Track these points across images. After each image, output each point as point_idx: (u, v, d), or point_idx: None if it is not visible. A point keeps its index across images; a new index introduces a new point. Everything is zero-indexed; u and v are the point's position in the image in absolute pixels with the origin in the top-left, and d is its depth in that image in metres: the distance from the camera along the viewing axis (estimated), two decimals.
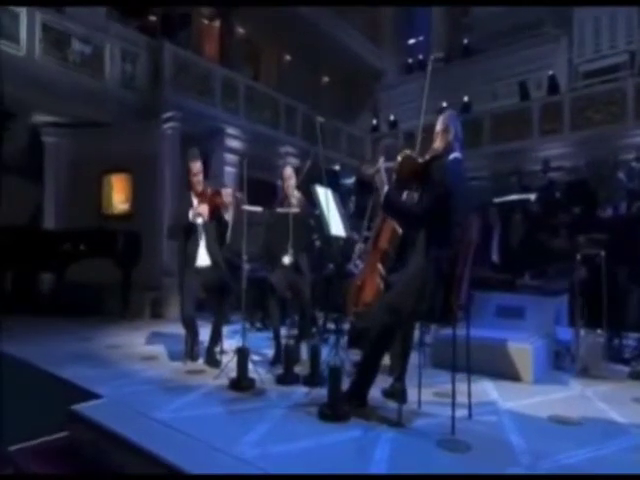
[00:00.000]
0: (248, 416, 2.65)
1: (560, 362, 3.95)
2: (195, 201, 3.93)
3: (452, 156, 2.63)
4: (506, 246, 5.75)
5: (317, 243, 3.71)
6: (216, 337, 3.74)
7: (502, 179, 8.48)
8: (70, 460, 2.65)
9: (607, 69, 9.73)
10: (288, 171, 4.16)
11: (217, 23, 11.34)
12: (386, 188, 2.64)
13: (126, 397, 2.97)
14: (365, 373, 2.68)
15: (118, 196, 7.56)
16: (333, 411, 2.57)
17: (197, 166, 3.99)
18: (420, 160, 2.63)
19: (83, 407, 2.73)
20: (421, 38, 13.35)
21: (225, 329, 4.67)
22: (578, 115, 9.10)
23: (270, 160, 9.58)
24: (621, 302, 4.44)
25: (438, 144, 2.70)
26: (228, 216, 4.14)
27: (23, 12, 6.78)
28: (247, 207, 3.37)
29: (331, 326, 5.17)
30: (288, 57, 12.51)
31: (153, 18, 10.11)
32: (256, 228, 3.52)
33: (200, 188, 3.96)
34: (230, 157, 8.60)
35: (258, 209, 3.52)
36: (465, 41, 12.33)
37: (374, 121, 12.62)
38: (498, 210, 5.81)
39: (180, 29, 9.18)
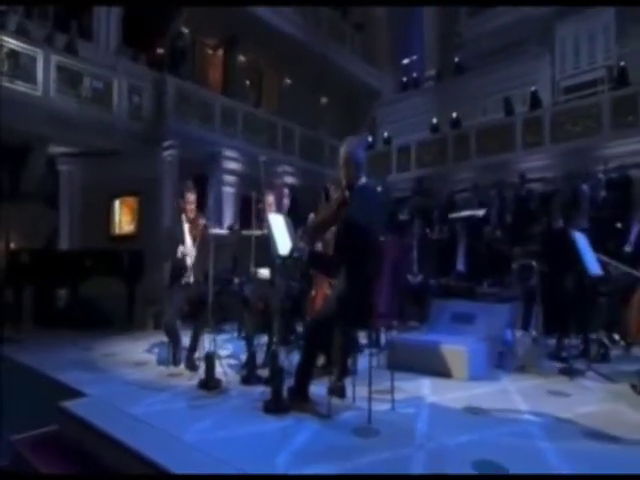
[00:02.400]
0: (204, 409, 3.10)
1: (502, 361, 4.29)
2: (186, 225, 4.43)
3: (359, 184, 3.04)
4: (472, 256, 6.10)
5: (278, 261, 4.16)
6: (195, 344, 4.18)
7: (483, 191, 8.79)
8: (59, 448, 3.13)
9: (586, 84, 9.97)
10: (270, 199, 4.63)
11: (220, 52, 12.00)
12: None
13: (108, 395, 3.45)
14: (302, 373, 3.10)
15: (125, 218, 8.17)
16: (275, 405, 3.00)
17: (192, 198, 4.47)
18: (330, 211, 3.05)
19: (69, 404, 3.20)
20: (415, 57, 13.79)
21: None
22: (558, 128, 9.37)
23: (268, 180, 10.11)
24: (570, 307, 4.74)
25: (343, 178, 3.10)
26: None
27: (40, 56, 7.46)
28: (214, 231, 3.85)
29: None
30: (288, 81, 13.08)
31: (161, 51, 10.81)
32: (224, 248, 3.99)
33: (192, 216, 4.44)
34: (229, 178, 9.15)
35: (224, 232, 3.99)
36: (456, 59, 12.68)
37: (369, 138, 13.05)
38: (465, 223, 6.17)
39: (183, 61, 9.77)
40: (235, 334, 6.32)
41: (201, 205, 4.60)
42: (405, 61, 14.06)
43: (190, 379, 3.84)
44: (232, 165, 9.32)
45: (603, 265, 4.02)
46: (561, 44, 10.42)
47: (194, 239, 4.35)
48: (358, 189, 3.02)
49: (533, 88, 10.10)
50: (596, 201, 6.33)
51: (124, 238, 8.09)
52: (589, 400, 3.26)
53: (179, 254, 4.26)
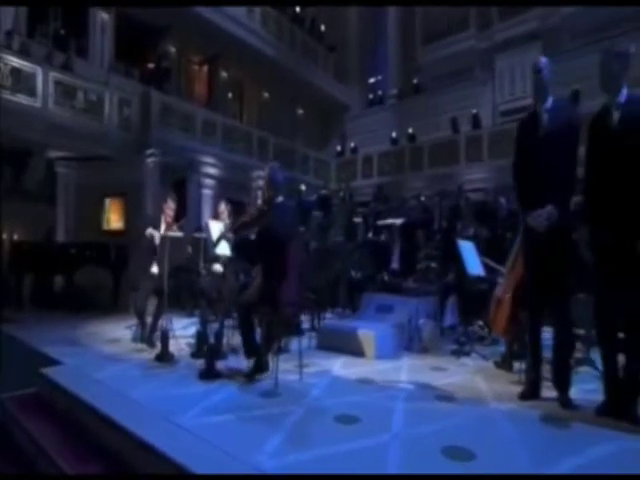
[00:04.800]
0: (153, 376, 3.60)
1: (410, 344, 4.82)
2: (163, 225, 4.93)
3: (277, 201, 3.56)
4: (405, 256, 6.62)
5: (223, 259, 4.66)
6: (155, 326, 4.67)
7: (428, 199, 9.33)
8: (38, 405, 3.60)
9: (519, 109, 10.50)
10: (222, 206, 5.12)
11: (205, 68, 12.36)
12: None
13: (81, 364, 3.94)
14: (248, 349, 3.57)
15: (114, 215, 8.58)
16: (207, 373, 3.52)
17: (172, 205, 4.98)
18: (250, 217, 3.57)
19: (47, 370, 3.69)
20: (380, 77, 14.30)
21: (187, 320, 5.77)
22: (495, 147, 9.98)
23: (244, 183, 10.56)
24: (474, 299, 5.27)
25: (265, 195, 3.61)
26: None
27: (39, 72, 7.80)
28: (170, 233, 4.34)
29: None
30: (267, 95, 13.50)
31: (151, 66, 11.16)
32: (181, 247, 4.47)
33: (169, 220, 4.96)
34: (207, 181, 9.59)
35: (180, 234, 4.46)
36: (415, 81, 13.22)
37: (338, 147, 13.57)
38: (399, 227, 6.68)
39: (167, 78, 10.14)
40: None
41: (179, 212, 5.07)
42: (371, 80, 14.54)
43: (151, 353, 4.33)
44: (211, 170, 9.75)
45: (487, 267, 4.57)
46: (500, 73, 11.01)
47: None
48: (275, 206, 3.55)
49: (474, 110, 10.67)
50: (513, 212, 6.85)
51: (113, 233, 8.51)
52: (458, 373, 3.81)
53: (147, 234, 4.76)
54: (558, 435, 2.51)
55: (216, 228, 3.80)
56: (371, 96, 14.33)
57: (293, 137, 13.50)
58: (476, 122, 10.64)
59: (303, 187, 11.54)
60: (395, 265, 6.76)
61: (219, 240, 3.84)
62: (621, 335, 2.75)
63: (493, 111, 11.27)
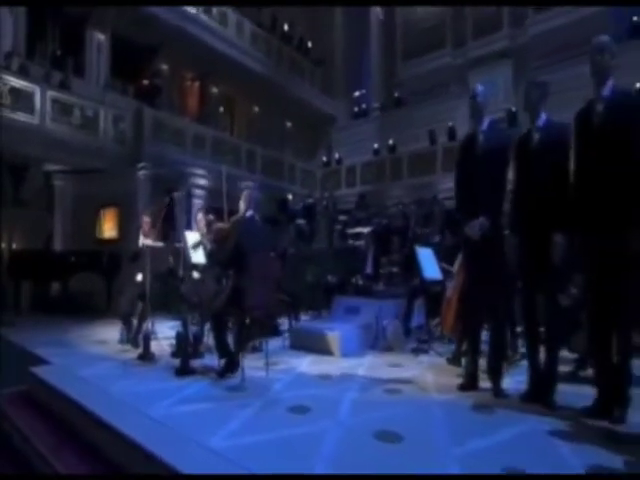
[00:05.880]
0: (134, 373, 3.83)
1: (375, 343, 5.05)
2: (142, 237, 5.19)
3: (248, 214, 3.83)
4: (378, 261, 6.88)
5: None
6: (139, 329, 4.89)
7: (407, 207, 9.61)
8: (29, 402, 3.81)
9: (491, 122, 10.85)
10: (199, 216, 5.38)
11: (197, 84, 12.65)
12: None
13: (69, 364, 4.15)
14: (222, 351, 3.80)
15: (108, 225, 8.82)
16: (181, 370, 3.75)
17: (147, 220, 5.33)
18: (227, 226, 3.83)
19: (37, 369, 3.90)
20: (364, 91, 14.64)
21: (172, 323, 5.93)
22: None
23: (232, 193, 10.78)
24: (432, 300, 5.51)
25: (241, 207, 3.88)
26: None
27: (37, 91, 8.05)
28: (151, 243, 4.58)
29: None
30: (257, 108, 13.79)
31: (146, 82, 11.43)
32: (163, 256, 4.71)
33: (147, 229, 5.23)
34: (197, 191, 9.85)
35: (160, 244, 4.71)
36: (396, 94, 13.55)
37: (324, 158, 13.86)
38: (372, 234, 6.95)
39: (159, 94, 10.40)
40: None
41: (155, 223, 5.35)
42: (356, 94, 14.88)
43: (135, 353, 4.54)
44: (200, 181, 10.00)
45: (445, 271, 4.82)
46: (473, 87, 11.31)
47: None
48: (248, 217, 3.82)
49: (450, 123, 10.99)
50: None
51: (107, 241, 8.74)
52: (413, 369, 4.03)
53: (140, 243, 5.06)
54: (481, 419, 2.75)
55: (192, 238, 4.04)
56: (356, 109, 14.66)
57: (282, 149, 13.80)
58: (452, 134, 10.95)
59: (290, 196, 11.81)
60: (369, 270, 7.02)
61: (196, 248, 4.09)
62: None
63: (468, 123, 11.56)
